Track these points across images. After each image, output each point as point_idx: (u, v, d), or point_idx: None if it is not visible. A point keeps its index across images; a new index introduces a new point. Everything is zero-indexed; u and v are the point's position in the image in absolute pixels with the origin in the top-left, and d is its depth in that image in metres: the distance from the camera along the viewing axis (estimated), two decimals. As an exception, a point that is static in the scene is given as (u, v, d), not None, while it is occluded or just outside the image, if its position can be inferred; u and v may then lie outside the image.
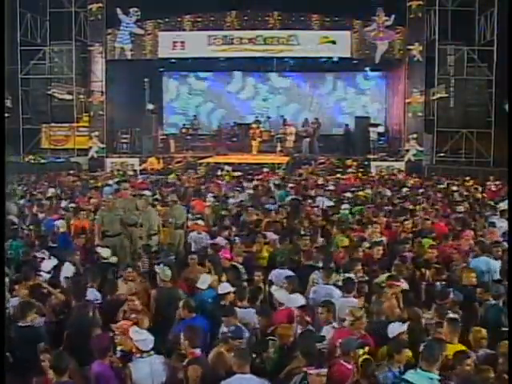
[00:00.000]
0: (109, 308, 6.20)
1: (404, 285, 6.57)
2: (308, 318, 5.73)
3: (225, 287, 6.41)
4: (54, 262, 7.29)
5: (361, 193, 13.73)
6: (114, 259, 8.03)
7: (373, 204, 12.05)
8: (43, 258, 7.54)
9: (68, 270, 7.09)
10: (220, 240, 8.73)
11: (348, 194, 13.22)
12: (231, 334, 5.22)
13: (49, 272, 6.95)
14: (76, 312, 5.89)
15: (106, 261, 7.89)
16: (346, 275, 6.82)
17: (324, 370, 4.40)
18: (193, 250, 9.04)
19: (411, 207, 11.54)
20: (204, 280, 6.68)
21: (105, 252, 8.01)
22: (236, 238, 9.01)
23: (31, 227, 9.67)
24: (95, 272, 7.03)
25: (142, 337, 4.88)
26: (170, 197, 11.11)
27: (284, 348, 5.23)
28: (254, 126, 23.14)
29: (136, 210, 9.48)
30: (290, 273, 7.07)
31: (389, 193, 13.94)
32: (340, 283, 6.68)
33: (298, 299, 5.98)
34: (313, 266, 7.39)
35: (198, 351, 4.87)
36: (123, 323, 5.40)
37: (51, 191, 13.70)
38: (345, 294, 6.36)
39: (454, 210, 11.40)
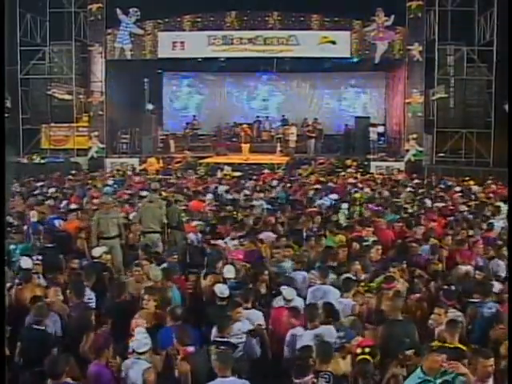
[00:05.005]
0: (121, 311, 6.04)
1: (399, 286, 6.55)
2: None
3: (222, 290, 6.20)
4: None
5: (360, 193, 13.70)
6: (107, 257, 7.98)
7: (372, 204, 12.01)
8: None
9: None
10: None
11: (347, 195, 13.19)
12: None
13: (27, 269, 6.93)
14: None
15: (97, 260, 7.82)
16: (345, 275, 6.80)
17: None
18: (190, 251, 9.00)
19: (409, 207, 11.52)
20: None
21: (96, 251, 7.95)
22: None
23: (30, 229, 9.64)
24: (90, 271, 7.00)
25: (139, 337, 4.87)
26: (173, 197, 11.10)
27: None
28: (244, 126, 22.80)
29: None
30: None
31: (388, 193, 13.91)
32: (338, 283, 6.68)
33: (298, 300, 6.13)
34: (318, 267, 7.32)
35: (190, 349, 4.91)
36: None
37: (50, 191, 13.67)
38: (344, 294, 6.34)
39: (454, 210, 11.38)
